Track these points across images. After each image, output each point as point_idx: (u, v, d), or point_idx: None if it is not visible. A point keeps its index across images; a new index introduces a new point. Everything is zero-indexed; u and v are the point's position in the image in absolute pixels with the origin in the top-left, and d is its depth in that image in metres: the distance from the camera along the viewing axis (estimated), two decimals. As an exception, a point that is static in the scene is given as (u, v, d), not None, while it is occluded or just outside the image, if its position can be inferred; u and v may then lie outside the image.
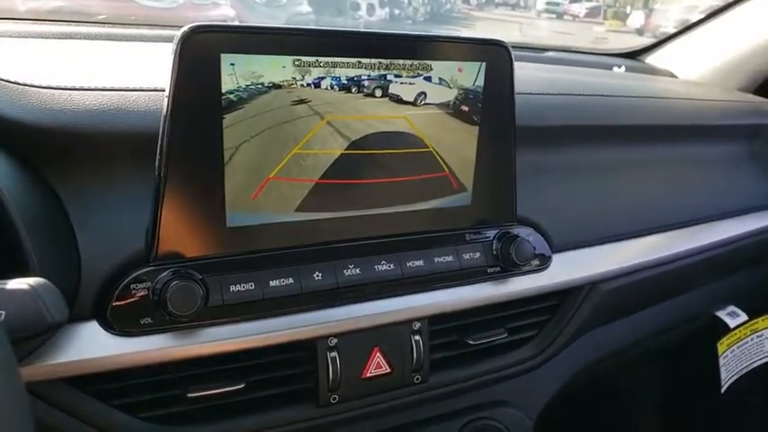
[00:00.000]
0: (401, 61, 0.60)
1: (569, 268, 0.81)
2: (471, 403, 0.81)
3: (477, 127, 0.66)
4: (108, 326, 0.54)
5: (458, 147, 0.66)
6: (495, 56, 0.65)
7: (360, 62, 0.58)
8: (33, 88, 0.55)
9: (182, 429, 0.60)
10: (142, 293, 0.54)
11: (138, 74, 0.62)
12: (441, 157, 0.65)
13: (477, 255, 0.71)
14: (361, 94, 0.59)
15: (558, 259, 0.79)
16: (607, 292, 0.86)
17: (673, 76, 1.44)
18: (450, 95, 0.63)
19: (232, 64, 0.52)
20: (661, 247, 0.94)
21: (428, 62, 0.61)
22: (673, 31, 1.52)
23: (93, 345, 0.53)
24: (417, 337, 0.69)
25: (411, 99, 0.62)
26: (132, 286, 0.54)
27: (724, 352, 1.19)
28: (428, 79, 0.62)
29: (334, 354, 0.64)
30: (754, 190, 1.15)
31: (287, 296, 0.60)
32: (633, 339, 1.05)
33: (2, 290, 0.40)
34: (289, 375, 0.64)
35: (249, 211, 0.57)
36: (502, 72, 0.66)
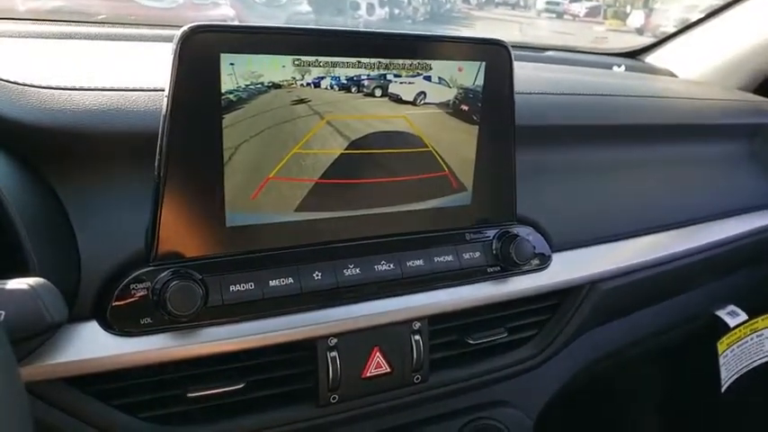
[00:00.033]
0: (401, 61, 0.60)
1: (569, 268, 0.81)
2: (471, 403, 0.81)
3: (477, 126, 0.66)
4: (108, 326, 0.54)
5: (457, 146, 0.66)
6: (495, 55, 0.65)
7: (359, 62, 0.58)
8: (33, 88, 0.55)
9: (181, 429, 0.60)
10: (142, 293, 0.54)
11: (138, 74, 0.62)
12: (440, 157, 0.65)
13: (477, 254, 0.71)
14: (360, 94, 0.59)
15: (557, 259, 0.79)
16: (607, 292, 0.86)
17: (673, 75, 1.44)
18: (449, 95, 0.63)
19: (232, 64, 0.52)
20: (661, 246, 0.94)
21: (428, 62, 0.61)
22: (673, 30, 1.52)
23: (92, 345, 0.53)
24: (417, 337, 0.69)
25: (411, 99, 0.62)
26: (132, 286, 0.54)
27: (724, 351, 1.19)
28: (428, 79, 0.62)
29: (333, 353, 0.64)
30: (753, 189, 1.15)
31: (287, 296, 0.60)
32: (633, 339, 1.05)
33: (1, 290, 0.40)
34: (288, 375, 0.64)
35: (249, 211, 0.57)
36: (502, 71, 0.66)
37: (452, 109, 0.64)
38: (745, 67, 1.34)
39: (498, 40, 0.65)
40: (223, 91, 0.52)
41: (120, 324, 0.54)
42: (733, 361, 1.20)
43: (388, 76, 0.60)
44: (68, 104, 0.55)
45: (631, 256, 0.90)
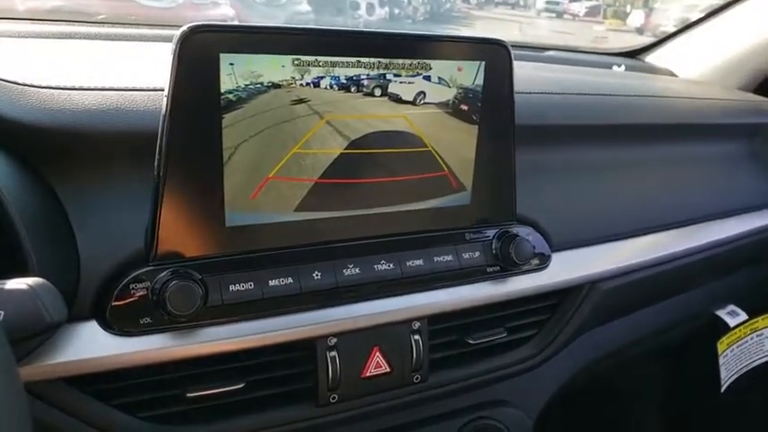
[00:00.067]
0: (400, 60, 0.60)
1: (569, 267, 0.81)
2: (471, 403, 0.81)
3: (477, 126, 0.66)
4: (107, 326, 0.54)
5: (457, 146, 0.66)
6: (495, 55, 0.65)
7: (359, 61, 0.58)
8: (33, 88, 0.55)
9: (181, 429, 0.60)
10: (141, 293, 0.54)
11: (138, 74, 0.62)
12: (440, 157, 0.65)
13: (477, 254, 0.71)
14: (360, 94, 0.59)
15: (557, 258, 0.79)
16: (607, 292, 0.86)
17: (672, 74, 1.44)
18: (449, 95, 0.63)
19: (231, 63, 0.52)
20: (661, 246, 0.94)
21: (427, 61, 0.61)
22: (673, 30, 1.52)
23: (92, 344, 0.53)
24: (417, 337, 0.69)
25: (410, 98, 0.62)
26: (131, 286, 0.54)
27: (724, 351, 1.19)
28: (427, 78, 0.62)
29: (333, 353, 0.64)
30: (753, 189, 1.15)
31: (286, 296, 0.60)
32: (633, 339, 1.05)
33: (1, 290, 0.40)
34: (288, 375, 0.64)
35: (248, 211, 0.57)
36: (501, 71, 0.66)
37: (452, 109, 0.64)
38: (745, 66, 1.34)
39: (498, 40, 0.65)
40: (222, 91, 0.52)
41: (119, 324, 0.54)
42: (733, 361, 1.20)
43: (388, 76, 0.60)
44: (68, 104, 0.55)
45: (631, 255, 0.90)
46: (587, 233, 0.85)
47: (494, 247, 0.72)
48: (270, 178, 0.57)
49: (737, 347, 1.20)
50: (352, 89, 0.58)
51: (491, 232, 0.72)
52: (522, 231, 0.74)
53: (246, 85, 0.53)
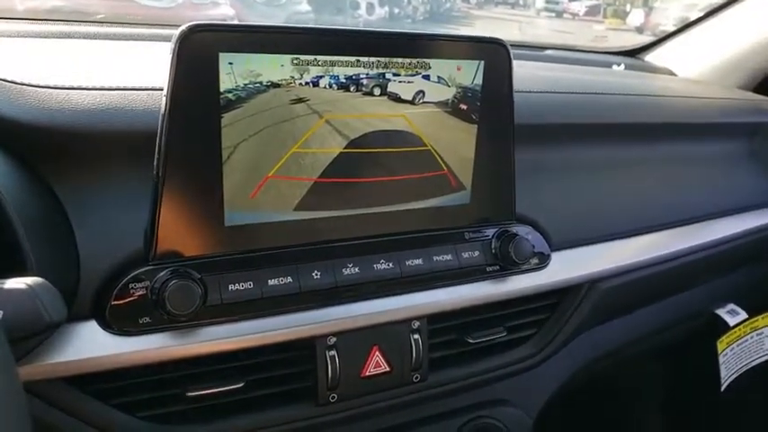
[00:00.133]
0: (399, 60, 0.60)
1: (568, 267, 0.81)
2: (471, 402, 0.81)
3: (476, 125, 0.66)
4: (107, 325, 0.54)
5: (456, 145, 0.66)
6: (494, 54, 0.65)
7: (358, 61, 0.58)
8: (31, 87, 0.55)
9: (180, 428, 0.60)
10: (141, 293, 0.54)
11: (137, 73, 0.62)
12: (439, 156, 0.65)
13: (476, 253, 0.71)
14: (359, 93, 0.59)
15: (557, 258, 0.79)
16: (606, 291, 0.86)
17: (672, 74, 1.44)
18: (448, 94, 0.63)
19: (230, 63, 0.52)
20: (660, 245, 0.94)
21: (427, 60, 0.61)
22: (672, 29, 1.52)
23: (91, 344, 0.53)
24: (416, 336, 0.69)
25: (409, 98, 0.62)
26: (131, 285, 0.54)
27: (724, 350, 1.19)
28: (426, 78, 0.62)
29: (333, 353, 0.64)
30: (753, 188, 1.15)
31: (286, 295, 0.60)
32: (632, 338, 1.05)
33: (0, 289, 0.40)
34: (288, 374, 0.64)
35: (248, 210, 0.57)
36: (500, 70, 0.66)
37: (451, 108, 0.64)
38: (745, 65, 1.34)
39: (497, 39, 0.65)
40: (222, 90, 0.52)
41: (118, 323, 0.54)
42: (733, 360, 1.20)
43: (387, 75, 0.60)
44: (67, 104, 0.55)
45: (631, 254, 0.90)
46: (587, 232, 0.85)
47: (493, 246, 0.72)
48: (269, 177, 0.57)
49: (737, 346, 1.20)
50: (352, 88, 0.58)
51: (490, 231, 0.72)
52: (522, 231, 0.74)
53: (246, 85, 0.53)
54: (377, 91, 0.60)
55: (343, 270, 0.63)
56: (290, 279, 0.60)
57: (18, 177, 0.51)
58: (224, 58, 0.52)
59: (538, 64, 1.20)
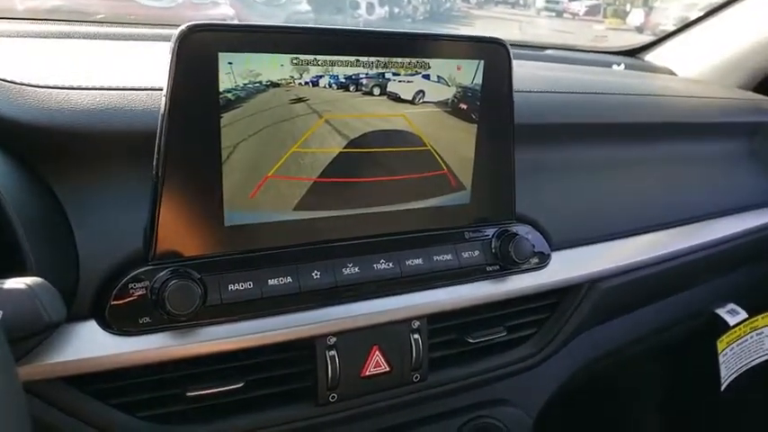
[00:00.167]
0: (399, 59, 0.60)
1: (568, 266, 0.81)
2: (471, 402, 0.81)
3: (476, 125, 0.66)
4: (106, 325, 0.54)
5: (456, 145, 0.66)
6: (494, 54, 0.65)
7: (358, 60, 0.58)
8: (31, 87, 0.55)
9: (180, 428, 0.60)
10: (140, 293, 0.54)
11: (137, 73, 0.62)
12: (439, 156, 0.65)
13: (476, 253, 0.71)
14: (359, 93, 0.59)
15: (557, 257, 0.79)
16: (606, 290, 0.86)
17: (672, 73, 1.44)
18: (448, 93, 0.63)
19: (230, 63, 0.52)
20: (660, 244, 0.94)
21: (426, 60, 0.61)
22: (672, 28, 1.52)
23: (91, 344, 0.53)
24: (416, 336, 0.69)
25: (409, 97, 0.61)
26: (130, 285, 0.54)
27: (723, 350, 1.19)
28: (426, 77, 0.62)
29: (333, 352, 0.64)
30: (753, 187, 1.15)
31: (285, 295, 0.60)
32: (632, 337, 1.05)
33: (-1, 289, 0.40)
34: (287, 374, 0.64)
35: (247, 210, 0.57)
36: (500, 70, 0.66)
37: (451, 108, 0.64)
38: (745, 65, 1.34)
39: (497, 39, 0.65)
40: (221, 90, 0.52)
41: (118, 323, 0.54)
42: (732, 359, 1.20)
43: (387, 75, 0.60)
44: (66, 104, 0.55)
45: (631, 254, 0.90)
46: (587, 232, 0.85)
47: (493, 246, 0.72)
48: (269, 177, 0.57)
49: (737, 346, 1.20)
50: (351, 88, 0.58)
51: (490, 231, 0.72)
52: (522, 230, 0.74)
53: (245, 84, 0.53)
54: (376, 91, 0.60)
55: (343, 270, 0.63)
56: (289, 279, 0.60)
57: (18, 177, 0.51)
58: (223, 58, 0.52)
59: (538, 64, 1.20)
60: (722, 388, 1.19)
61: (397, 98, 0.61)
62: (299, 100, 0.56)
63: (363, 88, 0.59)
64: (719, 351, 1.19)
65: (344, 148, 0.60)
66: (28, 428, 0.33)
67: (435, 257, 0.68)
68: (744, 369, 1.21)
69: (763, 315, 1.21)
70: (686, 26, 1.48)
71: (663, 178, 1.00)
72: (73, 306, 0.52)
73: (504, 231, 0.72)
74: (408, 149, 0.63)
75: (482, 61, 0.64)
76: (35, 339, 0.48)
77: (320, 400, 0.65)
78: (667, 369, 1.40)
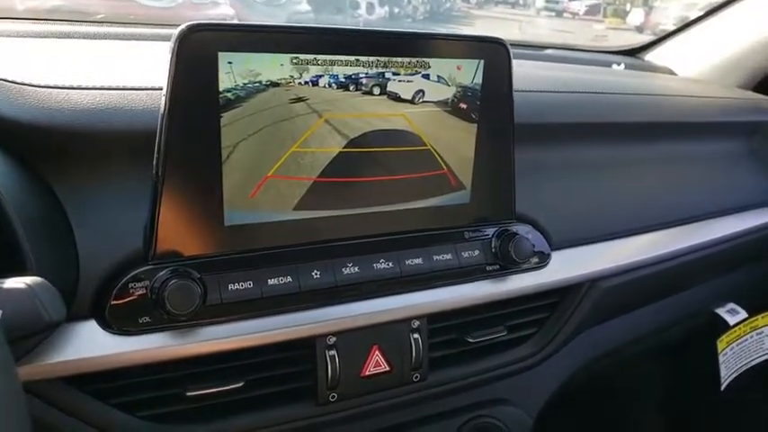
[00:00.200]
0: (399, 59, 0.60)
1: (568, 266, 0.81)
2: (471, 401, 0.81)
3: (476, 125, 0.66)
4: (106, 325, 0.54)
5: (456, 144, 0.66)
6: (494, 53, 0.65)
7: (358, 60, 0.58)
8: (31, 87, 0.55)
9: (180, 428, 0.60)
10: (140, 292, 0.54)
11: (136, 73, 0.62)
12: (439, 155, 0.65)
13: (476, 253, 0.71)
14: (359, 92, 0.59)
15: (557, 257, 0.79)
16: (606, 290, 0.86)
17: (672, 73, 1.44)
18: (448, 93, 0.63)
19: (230, 62, 0.52)
20: (660, 244, 0.94)
21: (426, 60, 0.61)
22: (672, 28, 1.52)
23: (91, 344, 0.53)
24: (416, 336, 0.69)
25: (409, 97, 0.61)
26: (130, 285, 0.54)
27: (723, 349, 1.19)
28: (426, 77, 0.62)
29: (333, 352, 0.64)
30: (753, 187, 1.15)
31: (285, 295, 0.60)
32: (632, 337, 1.05)
33: (-1, 289, 0.40)
34: (287, 374, 0.64)
35: (247, 210, 0.57)
36: (500, 70, 0.66)
37: (451, 107, 0.64)
38: (744, 64, 1.34)
39: (497, 39, 0.65)
40: (221, 89, 0.52)
41: (118, 323, 0.54)
42: (732, 359, 1.20)
43: (387, 75, 0.60)
44: (66, 103, 0.55)
45: (631, 253, 0.90)
46: (587, 231, 0.85)
47: (493, 245, 0.72)
48: (269, 177, 0.57)
49: (737, 346, 1.20)
50: (351, 88, 0.58)
51: (490, 231, 0.72)
52: (522, 230, 0.74)
53: (245, 84, 0.53)
54: (376, 90, 0.60)
55: (343, 269, 0.63)
56: (289, 279, 0.60)
57: (18, 177, 0.51)
58: (223, 58, 0.52)
59: (538, 63, 1.20)
60: (722, 388, 1.19)
61: (396, 98, 0.61)
62: (299, 99, 0.56)
63: (363, 88, 0.59)
64: (719, 351, 1.19)
65: (344, 147, 0.60)
66: (28, 428, 0.33)
67: (435, 257, 0.68)
68: (744, 369, 1.21)
69: (763, 315, 1.21)
70: (686, 26, 1.48)
71: (663, 178, 1.00)
72: (73, 306, 0.52)
73: (504, 231, 0.72)
74: (408, 149, 0.63)
75: (482, 61, 0.64)
76: (35, 339, 0.48)
77: (320, 400, 0.65)
78: (667, 369, 1.40)
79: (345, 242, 0.63)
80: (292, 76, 0.55)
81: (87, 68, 0.62)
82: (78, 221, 0.54)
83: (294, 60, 0.55)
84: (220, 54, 0.51)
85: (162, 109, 0.51)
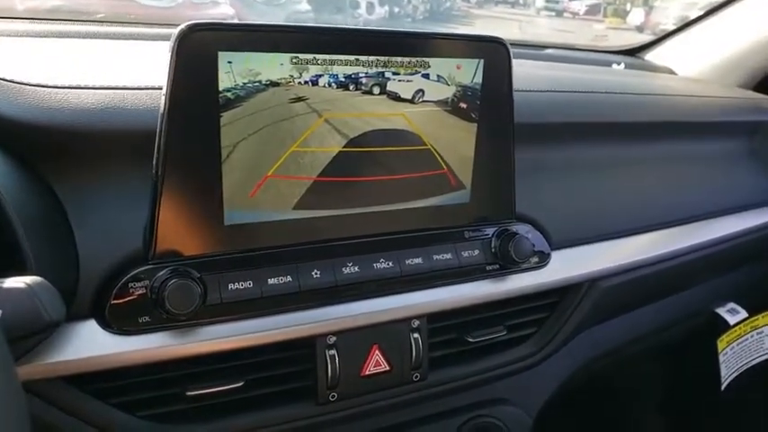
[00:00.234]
0: (399, 58, 0.60)
1: (568, 265, 0.81)
2: (471, 401, 0.81)
3: (476, 124, 0.66)
4: (106, 324, 0.54)
5: (456, 144, 0.66)
6: (494, 53, 0.65)
7: (357, 59, 0.58)
8: (31, 87, 0.55)
9: (180, 428, 0.60)
10: (140, 292, 0.54)
11: (136, 72, 0.62)
12: (439, 155, 0.65)
13: (476, 252, 0.71)
14: (358, 92, 0.59)
15: (557, 256, 0.79)
16: (606, 290, 0.86)
17: (672, 72, 1.44)
18: (448, 93, 0.63)
19: (229, 62, 0.52)
20: (660, 244, 0.94)
21: (426, 59, 0.61)
22: (672, 28, 1.52)
23: (91, 343, 0.53)
24: (416, 335, 0.69)
25: (409, 96, 0.61)
26: (130, 285, 0.54)
27: (724, 349, 1.19)
28: (426, 76, 0.62)
29: (333, 352, 0.64)
30: (753, 187, 1.15)
31: (285, 294, 0.60)
32: (632, 337, 1.05)
33: (-1, 288, 0.40)
34: (288, 373, 0.64)
35: (247, 209, 0.57)
36: (500, 69, 0.66)
37: (451, 107, 0.64)
38: (745, 64, 1.34)
39: (496, 38, 0.65)
40: (221, 89, 0.52)
41: (118, 323, 0.54)
42: (733, 359, 1.20)
43: (387, 74, 0.60)
44: (66, 103, 0.55)
45: (631, 253, 0.90)
46: (587, 231, 0.85)
47: (493, 245, 0.72)
48: (268, 177, 0.57)
49: (737, 345, 1.20)
50: (351, 87, 0.58)
51: (490, 230, 0.72)
52: (522, 229, 0.74)
53: (245, 84, 0.53)
54: (376, 90, 0.60)
55: (343, 269, 0.63)
56: (289, 278, 0.60)
57: (18, 177, 0.51)
58: (223, 57, 0.52)
59: (538, 63, 1.20)
60: (722, 387, 1.19)
61: (396, 97, 0.61)
62: (299, 99, 0.56)
63: (363, 87, 0.59)
64: (720, 350, 1.19)
65: (344, 147, 0.60)
66: (28, 428, 0.33)
67: (435, 257, 0.68)
68: (744, 368, 1.21)
69: (763, 314, 1.21)
70: (686, 25, 1.48)
71: (663, 177, 1.00)
72: (73, 305, 0.52)
73: (503, 230, 0.72)
74: (408, 149, 0.63)
75: (482, 60, 0.64)
76: (35, 339, 0.48)
77: (320, 400, 0.65)
78: (667, 368, 1.40)
79: (345, 242, 0.63)
80: (292, 76, 0.55)
81: (87, 68, 0.63)
82: (78, 221, 0.54)
83: (294, 60, 0.55)
84: (220, 53, 0.51)
85: (162, 108, 0.51)
